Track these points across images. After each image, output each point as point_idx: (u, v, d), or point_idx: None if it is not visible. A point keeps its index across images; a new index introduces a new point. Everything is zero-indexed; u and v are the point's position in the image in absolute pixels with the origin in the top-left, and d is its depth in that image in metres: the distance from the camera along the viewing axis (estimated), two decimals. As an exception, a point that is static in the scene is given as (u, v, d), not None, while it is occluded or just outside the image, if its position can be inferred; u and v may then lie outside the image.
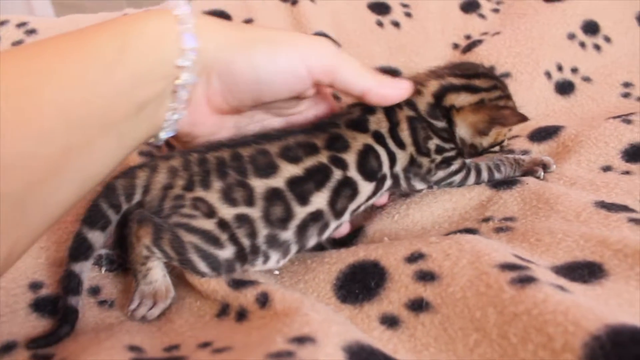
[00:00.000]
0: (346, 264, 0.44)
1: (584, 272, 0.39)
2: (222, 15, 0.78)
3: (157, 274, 0.43)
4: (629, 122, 0.59)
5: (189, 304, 0.44)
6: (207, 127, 0.47)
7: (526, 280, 0.35)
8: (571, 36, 0.72)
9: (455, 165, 0.52)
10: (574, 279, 0.38)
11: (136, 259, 0.43)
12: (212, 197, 0.43)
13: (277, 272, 0.47)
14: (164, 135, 0.45)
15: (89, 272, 0.45)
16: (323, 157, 0.45)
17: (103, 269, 0.49)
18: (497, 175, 0.55)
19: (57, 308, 0.43)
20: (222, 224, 0.43)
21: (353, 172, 0.46)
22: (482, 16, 0.79)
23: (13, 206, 0.34)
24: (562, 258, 0.41)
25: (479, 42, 0.72)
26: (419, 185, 0.52)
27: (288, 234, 0.45)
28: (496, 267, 0.38)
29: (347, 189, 0.46)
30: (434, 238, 0.44)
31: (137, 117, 0.40)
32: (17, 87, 0.34)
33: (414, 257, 0.42)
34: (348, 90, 0.47)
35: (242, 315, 0.40)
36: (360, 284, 0.42)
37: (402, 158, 0.49)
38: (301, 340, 0.32)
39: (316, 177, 0.45)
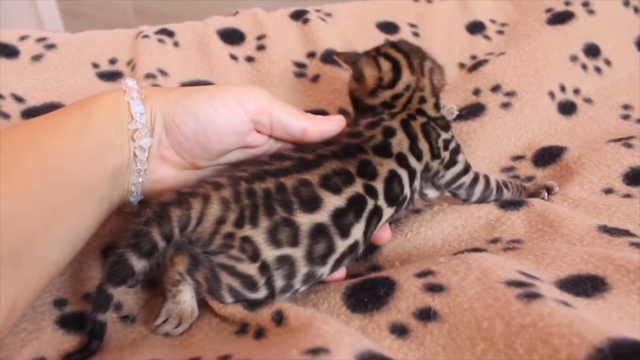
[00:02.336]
0: (357, 279, 0.45)
1: (587, 285, 0.40)
2: (236, 32, 0.80)
3: (186, 296, 0.44)
4: (629, 146, 0.61)
5: (208, 319, 0.45)
6: (170, 182, 0.50)
7: (532, 295, 0.37)
8: (574, 58, 0.74)
9: (460, 165, 0.54)
10: (578, 294, 0.39)
11: (167, 280, 0.43)
12: (259, 237, 0.42)
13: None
14: (134, 199, 0.49)
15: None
16: (359, 186, 0.45)
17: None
18: (505, 193, 0.56)
19: (84, 323, 0.44)
20: (263, 268, 0.42)
21: (381, 201, 0.46)
22: (487, 37, 0.81)
23: (10, 263, 0.38)
24: (567, 271, 0.42)
25: (485, 61, 0.74)
26: (430, 193, 0.53)
27: (325, 269, 0.45)
28: (503, 283, 0.39)
29: (375, 217, 0.46)
30: (442, 259, 0.45)
31: (113, 182, 0.45)
32: (5, 158, 0.40)
33: (424, 273, 0.43)
34: (287, 130, 0.49)
35: (260, 333, 0.41)
36: (369, 292, 0.43)
37: (419, 170, 0.50)
38: (315, 351, 0.33)
39: (355, 208, 0.45)
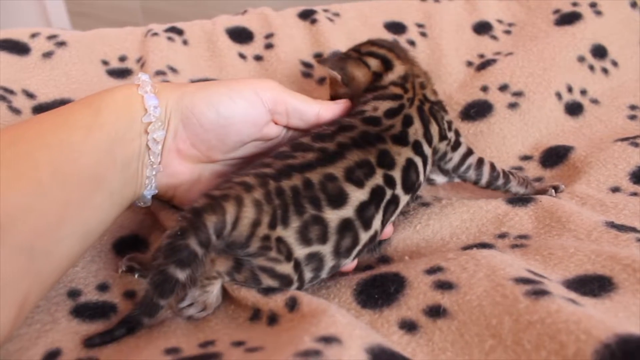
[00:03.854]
0: (367, 274, 0.46)
1: (594, 285, 0.41)
2: (244, 31, 0.80)
3: (215, 287, 0.44)
4: (636, 145, 0.61)
5: (224, 306, 0.46)
6: (185, 176, 0.51)
7: (540, 292, 0.37)
8: (581, 59, 0.74)
9: (464, 146, 0.54)
10: (585, 293, 0.40)
11: (202, 273, 0.43)
12: (290, 237, 0.42)
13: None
14: (148, 193, 0.49)
15: None
16: (379, 177, 0.46)
17: (136, 275, 0.50)
18: (512, 180, 0.57)
19: (99, 312, 0.45)
20: (296, 265, 0.43)
21: (399, 190, 0.47)
22: (494, 37, 0.81)
23: (22, 256, 0.38)
24: (574, 271, 0.43)
25: (493, 61, 0.74)
26: (438, 178, 0.54)
27: (348, 260, 0.46)
28: (511, 280, 0.39)
29: (392, 205, 0.47)
30: (451, 254, 0.46)
31: (123, 175, 0.46)
32: (14, 152, 0.40)
33: (433, 270, 0.44)
34: (303, 116, 0.52)
35: (273, 319, 0.42)
36: (379, 289, 0.43)
37: (429, 155, 0.51)
38: (328, 340, 0.34)
39: (376, 200, 0.46)
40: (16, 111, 0.65)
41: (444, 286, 0.41)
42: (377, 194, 0.46)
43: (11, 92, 0.67)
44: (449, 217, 0.54)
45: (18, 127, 0.43)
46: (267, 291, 0.43)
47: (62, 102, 0.68)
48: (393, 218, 0.49)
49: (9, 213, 0.38)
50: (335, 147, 0.46)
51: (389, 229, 0.51)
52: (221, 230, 0.41)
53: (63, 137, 0.43)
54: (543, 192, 0.57)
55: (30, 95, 0.68)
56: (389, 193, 0.47)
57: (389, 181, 0.47)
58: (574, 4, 0.80)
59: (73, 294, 0.47)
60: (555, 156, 0.65)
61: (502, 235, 0.51)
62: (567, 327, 0.34)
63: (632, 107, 0.72)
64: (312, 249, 0.43)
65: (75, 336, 0.43)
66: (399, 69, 0.55)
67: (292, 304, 0.41)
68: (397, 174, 0.47)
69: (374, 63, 0.56)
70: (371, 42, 0.59)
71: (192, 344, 0.40)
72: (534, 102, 0.69)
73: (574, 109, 0.71)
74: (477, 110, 0.69)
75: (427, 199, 0.58)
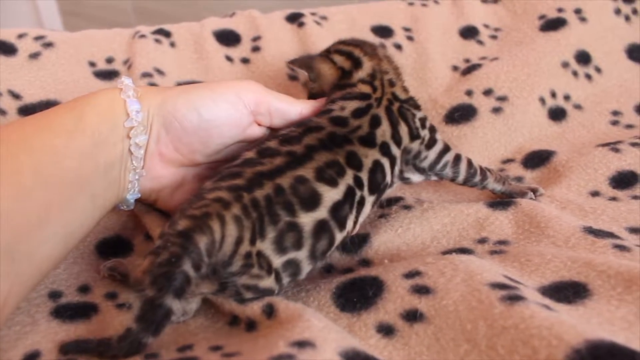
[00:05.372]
0: (347, 277, 0.46)
1: (569, 292, 0.41)
2: (231, 34, 0.80)
3: (195, 301, 0.45)
4: (617, 150, 0.62)
5: (205, 310, 0.46)
6: (168, 180, 0.51)
7: (515, 298, 0.38)
8: (565, 64, 0.75)
9: (440, 143, 0.54)
10: (559, 300, 0.41)
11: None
12: (268, 249, 0.42)
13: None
14: (130, 197, 0.50)
15: None
16: (349, 178, 0.46)
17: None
18: (489, 177, 0.56)
19: (79, 312, 0.45)
20: (276, 275, 0.43)
21: (365, 191, 0.47)
22: (480, 42, 0.81)
23: (3, 257, 0.38)
24: (550, 277, 0.43)
25: (479, 66, 0.75)
26: (413, 177, 0.54)
27: (324, 262, 0.46)
28: (487, 285, 0.40)
29: (360, 206, 0.48)
30: (430, 258, 0.46)
31: (105, 179, 0.46)
32: None
33: (412, 274, 0.44)
34: (286, 115, 0.52)
35: (251, 326, 0.42)
36: (358, 293, 0.44)
37: (398, 156, 0.51)
38: (302, 344, 0.35)
39: (349, 199, 0.46)
40: (1, 112, 0.65)
41: (422, 290, 0.42)
42: (349, 194, 0.46)
43: (-3, 92, 0.67)
44: (430, 221, 0.54)
45: (1, 130, 0.43)
46: (244, 300, 0.43)
47: (48, 103, 0.68)
48: (361, 220, 0.49)
49: None
50: (303, 149, 0.46)
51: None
52: (211, 250, 0.40)
53: (46, 141, 0.43)
54: (522, 194, 0.57)
55: (16, 96, 0.68)
56: (358, 194, 0.47)
57: (358, 182, 0.47)
58: (560, 10, 0.80)
59: (54, 295, 0.47)
60: (537, 159, 0.65)
61: (482, 241, 0.52)
62: (539, 333, 0.34)
63: (615, 113, 0.73)
64: (288, 257, 0.43)
65: (56, 337, 0.43)
66: (366, 66, 0.55)
67: (270, 311, 0.42)
68: (364, 176, 0.47)
69: (339, 59, 0.56)
70: (340, 41, 0.60)
71: (170, 348, 0.40)
72: (518, 106, 0.70)
73: (557, 114, 0.72)
74: (462, 114, 0.70)
75: (409, 201, 0.58)
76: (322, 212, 0.44)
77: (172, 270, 0.38)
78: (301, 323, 0.37)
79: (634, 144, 0.62)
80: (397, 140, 0.51)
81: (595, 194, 0.58)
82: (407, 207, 0.57)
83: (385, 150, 0.49)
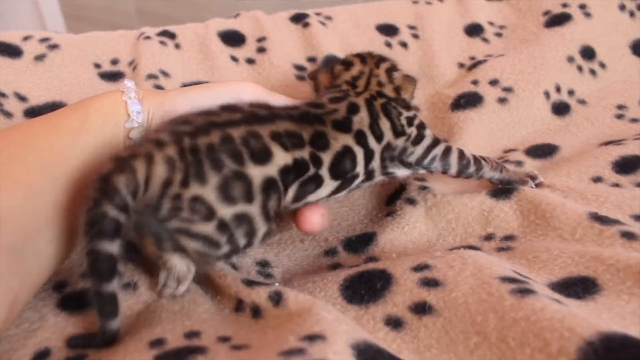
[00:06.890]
0: (354, 270, 0.46)
1: (579, 288, 0.41)
2: (236, 34, 0.80)
3: (174, 260, 0.44)
4: (620, 144, 0.61)
5: (211, 296, 0.46)
6: None
7: (525, 291, 0.38)
8: (570, 59, 0.75)
9: (428, 139, 0.53)
10: (569, 295, 0.40)
11: (149, 256, 0.44)
12: (210, 194, 0.40)
13: (277, 284, 0.46)
14: None
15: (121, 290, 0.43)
16: (305, 153, 0.45)
17: None
18: (484, 165, 0.55)
19: (85, 300, 0.44)
20: (222, 226, 0.42)
21: (324, 171, 0.46)
22: (485, 40, 0.81)
23: (12, 256, 0.39)
24: (559, 274, 0.43)
25: (484, 61, 0.75)
26: (398, 171, 0.52)
27: (273, 226, 0.45)
28: (497, 278, 0.40)
29: (312, 184, 0.46)
30: (439, 252, 0.46)
31: None
32: (6, 155, 0.42)
33: (420, 267, 0.44)
34: None
35: (257, 312, 0.42)
36: (366, 285, 0.44)
37: (377, 151, 0.50)
38: (312, 338, 0.34)
39: (298, 171, 0.45)
40: (8, 114, 0.65)
41: (430, 283, 0.42)
42: (300, 166, 0.45)
43: (3, 95, 0.67)
44: (434, 219, 0.54)
45: (9, 131, 0.45)
46: (251, 283, 0.44)
47: (53, 105, 0.68)
48: (314, 199, 0.47)
49: (0, 214, 0.38)
50: (267, 113, 0.46)
51: (315, 217, 0.49)
52: (135, 190, 0.39)
53: (53, 141, 0.44)
54: (521, 182, 0.57)
55: (22, 98, 0.68)
56: (312, 170, 0.46)
57: (315, 160, 0.46)
58: (564, 5, 0.80)
59: (59, 286, 0.47)
60: (540, 151, 0.65)
61: (488, 237, 0.51)
62: (551, 325, 0.34)
63: (620, 107, 0.72)
64: (237, 209, 0.42)
65: (64, 331, 0.43)
66: (354, 69, 0.55)
67: (277, 298, 0.41)
68: (327, 157, 0.46)
69: (338, 67, 0.57)
70: (354, 54, 0.59)
71: (177, 332, 0.40)
72: (523, 99, 0.70)
73: (560, 109, 0.72)
74: (467, 100, 0.69)
75: (412, 194, 0.58)
76: (272, 169, 0.43)
77: (92, 214, 0.38)
78: (311, 317, 0.37)
79: (638, 138, 0.62)
80: (377, 135, 0.50)
81: (597, 179, 0.57)
82: (412, 202, 0.56)
83: (361, 139, 0.48)
